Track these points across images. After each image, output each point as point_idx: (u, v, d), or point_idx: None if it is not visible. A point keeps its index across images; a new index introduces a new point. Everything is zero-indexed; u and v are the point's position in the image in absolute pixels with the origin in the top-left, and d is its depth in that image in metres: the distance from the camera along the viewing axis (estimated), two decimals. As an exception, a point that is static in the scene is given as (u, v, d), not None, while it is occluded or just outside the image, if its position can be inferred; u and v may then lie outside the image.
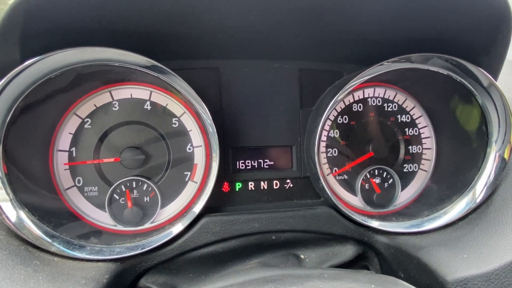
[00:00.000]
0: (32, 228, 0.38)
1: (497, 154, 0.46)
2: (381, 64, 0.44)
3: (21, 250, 0.36)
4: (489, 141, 0.46)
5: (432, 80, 0.48)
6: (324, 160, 0.52)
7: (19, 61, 0.36)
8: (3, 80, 0.35)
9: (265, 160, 0.51)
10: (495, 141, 0.46)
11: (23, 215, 0.37)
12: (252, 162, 0.51)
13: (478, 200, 0.46)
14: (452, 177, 0.51)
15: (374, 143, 0.53)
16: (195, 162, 0.48)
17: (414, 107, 0.54)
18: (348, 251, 0.49)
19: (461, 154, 0.51)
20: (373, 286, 0.33)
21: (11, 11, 0.32)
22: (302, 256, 0.49)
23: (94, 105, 0.46)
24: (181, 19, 0.40)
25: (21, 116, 0.39)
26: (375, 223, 0.47)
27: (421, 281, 0.41)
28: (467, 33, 0.42)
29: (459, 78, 0.45)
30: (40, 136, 0.43)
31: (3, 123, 0.37)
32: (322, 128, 0.49)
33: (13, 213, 0.37)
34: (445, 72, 0.45)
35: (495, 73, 0.46)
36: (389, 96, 0.54)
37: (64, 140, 0.45)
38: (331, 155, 0.53)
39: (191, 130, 0.48)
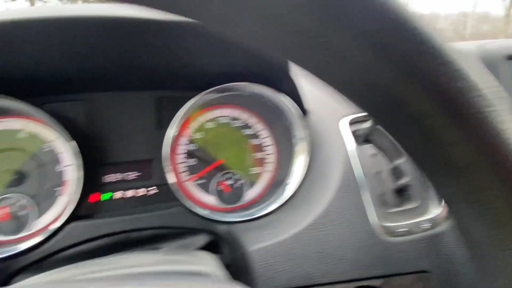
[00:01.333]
0: None
1: (301, 152, 0.61)
2: (208, 92, 0.58)
3: None
4: (295, 142, 0.61)
5: (257, 100, 0.62)
6: (184, 169, 0.64)
7: None
8: None
9: (130, 173, 0.62)
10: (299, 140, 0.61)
11: None
12: (119, 175, 0.61)
13: (289, 193, 0.59)
14: (281, 175, 0.65)
15: (224, 152, 0.65)
16: (66, 179, 0.58)
17: (258, 122, 0.68)
18: (200, 241, 0.60)
19: (286, 156, 0.65)
20: (178, 257, 0.44)
21: None
22: (164, 248, 0.60)
23: (-26, 136, 0.55)
24: (48, 69, 0.51)
25: None
26: (218, 216, 0.59)
27: (242, 256, 0.53)
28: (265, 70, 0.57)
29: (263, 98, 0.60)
30: None
31: None
32: (175, 144, 0.61)
33: None
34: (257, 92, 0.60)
35: (299, 99, 0.61)
36: (235, 114, 0.67)
37: None
38: (190, 164, 0.64)
39: (61, 153, 0.58)
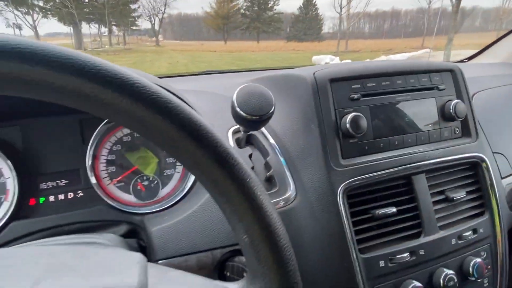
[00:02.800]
0: None
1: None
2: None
3: None
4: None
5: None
6: (105, 175, 0.81)
7: None
8: None
9: (61, 180, 0.78)
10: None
11: None
12: (52, 183, 0.77)
13: (187, 189, 0.78)
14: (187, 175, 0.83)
15: (141, 160, 0.83)
16: (7, 188, 0.73)
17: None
18: (120, 230, 0.77)
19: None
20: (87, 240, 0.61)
21: None
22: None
23: None
24: None
25: None
26: (134, 210, 0.76)
27: (148, 236, 0.71)
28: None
29: None
30: None
31: None
32: (97, 155, 0.78)
33: None
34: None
35: None
36: (148, 129, 0.85)
37: None
38: (110, 171, 0.81)
39: (2, 168, 0.73)
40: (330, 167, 0.71)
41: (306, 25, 44.87)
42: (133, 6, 32.42)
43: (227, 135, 0.81)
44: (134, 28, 36.76)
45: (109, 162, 0.82)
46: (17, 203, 0.70)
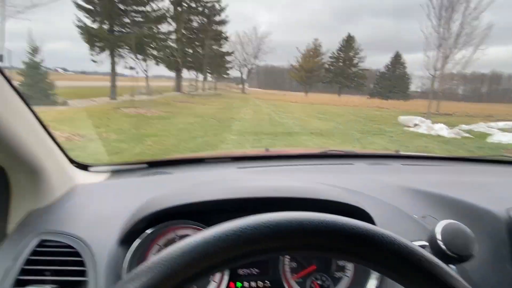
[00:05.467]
0: None
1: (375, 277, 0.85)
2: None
3: None
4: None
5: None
6: (289, 270, 0.92)
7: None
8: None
9: (254, 269, 0.91)
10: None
11: None
12: (247, 270, 0.91)
13: None
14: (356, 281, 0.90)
15: (316, 260, 0.93)
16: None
17: (340, 238, 0.95)
18: (299, 325, 0.86)
19: (361, 268, 0.90)
20: None
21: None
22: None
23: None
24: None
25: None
26: (313, 307, 0.85)
27: None
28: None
29: None
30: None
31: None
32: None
33: None
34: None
35: None
36: (325, 231, 0.95)
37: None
38: (292, 266, 0.92)
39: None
40: None
41: (392, 83, 43.90)
42: (228, 58, 36.13)
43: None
44: (225, 76, 40.54)
45: (292, 258, 0.93)
46: (226, 285, 0.84)
